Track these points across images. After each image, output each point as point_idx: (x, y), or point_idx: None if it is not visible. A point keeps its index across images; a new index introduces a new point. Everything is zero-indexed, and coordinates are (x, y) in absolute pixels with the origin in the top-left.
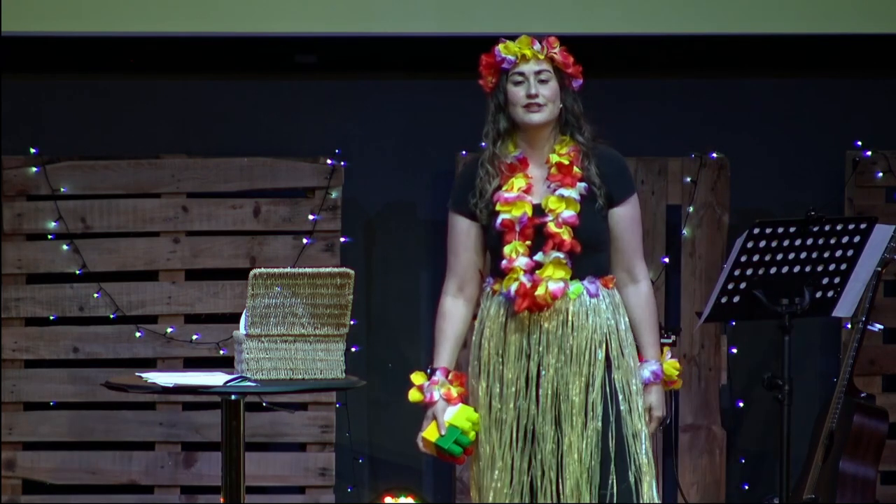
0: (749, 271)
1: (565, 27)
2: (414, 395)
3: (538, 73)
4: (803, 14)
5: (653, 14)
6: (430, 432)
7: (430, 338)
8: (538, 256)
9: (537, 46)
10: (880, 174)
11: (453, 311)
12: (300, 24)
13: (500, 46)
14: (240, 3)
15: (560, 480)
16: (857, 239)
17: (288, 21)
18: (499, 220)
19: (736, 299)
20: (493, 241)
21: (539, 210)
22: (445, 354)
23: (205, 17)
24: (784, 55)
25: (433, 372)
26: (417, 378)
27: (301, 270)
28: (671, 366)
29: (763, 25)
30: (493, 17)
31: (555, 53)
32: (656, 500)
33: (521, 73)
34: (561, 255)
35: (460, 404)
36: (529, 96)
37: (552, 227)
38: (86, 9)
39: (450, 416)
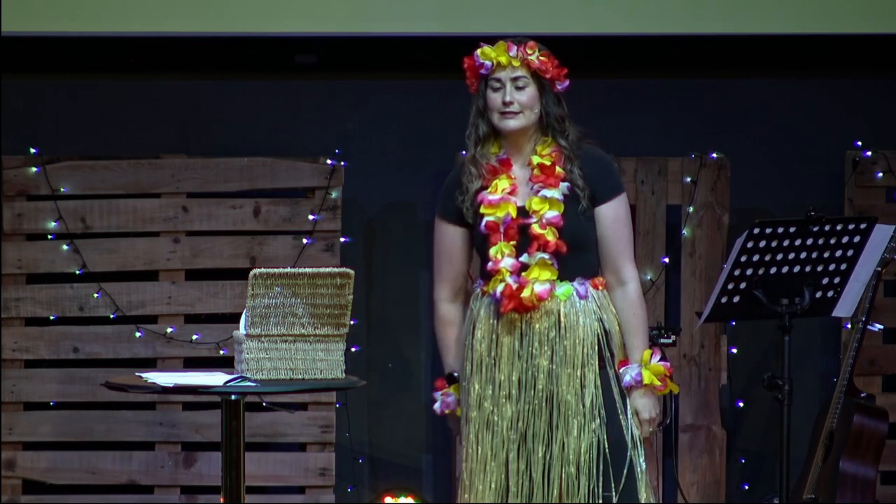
0: (749, 271)
1: (565, 27)
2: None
3: (515, 79)
4: (803, 14)
5: (653, 14)
6: None
7: (430, 338)
8: (524, 258)
9: (513, 52)
10: (880, 174)
11: (452, 315)
12: (300, 24)
13: (479, 52)
14: (240, 3)
15: (551, 482)
16: (857, 239)
17: (288, 21)
18: (483, 223)
19: (736, 299)
20: (479, 243)
21: (523, 212)
22: (456, 360)
23: (205, 17)
24: (784, 55)
25: (454, 378)
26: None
27: (301, 270)
28: (655, 370)
29: (763, 25)
30: (493, 17)
31: (532, 59)
32: (653, 500)
33: (498, 80)
34: (546, 257)
35: None
36: (504, 103)
37: (536, 229)
38: (86, 9)
39: None
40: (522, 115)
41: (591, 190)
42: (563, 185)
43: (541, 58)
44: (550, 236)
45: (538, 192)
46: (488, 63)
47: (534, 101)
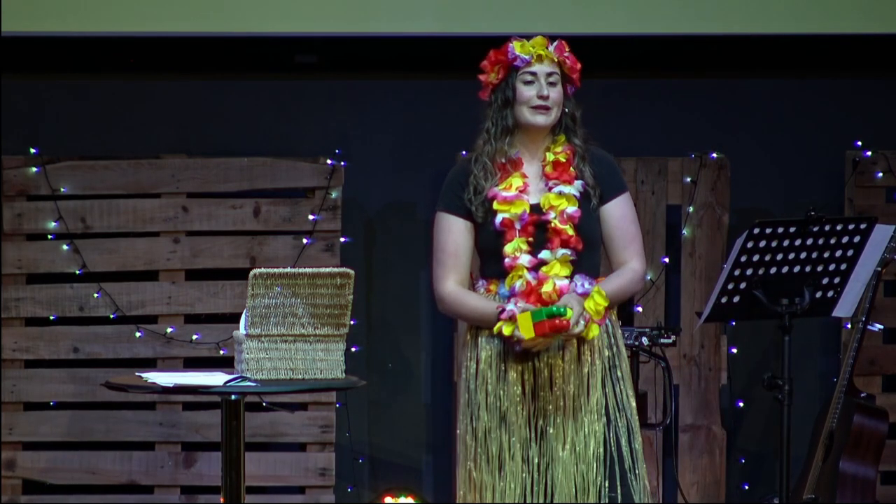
0: (749, 271)
1: (565, 27)
2: (507, 328)
3: (549, 74)
4: (803, 14)
5: (653, 14)
6: (524, 320)
7: (430, 337)
8: (544, 254)
9: (551, 48)
10: (880, 174)
11: (463, 287)
12: (300, 24)
13: (516, 44)
14: (240, 3)
15: (567, 481)
16: (857, 239)
17: (288, 21)
18: (498, 220)
19: (736, 299)
20: (489, 241)
21: (537, 209)
22: (489, 301)
23: (205, 17)
24: (784, 55)
25: (502, 311)
26: (507, 329)
27: (301, 270)
28: (599, 299)
29: (763, 25)
30: (493, 17)
31: (566, 58)
32: (650, 500)
33: (533, 73)
34: (568, 252)
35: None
36: (541, 97)
37: (558, 224)
38: (86, 9)
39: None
40: (553, 111)
41: (601, 189)
42: (578, 183)
43: (572, 57)
44: (571, 232)
45: (552, 188)
46: (526, 56)
47: (561, 99)
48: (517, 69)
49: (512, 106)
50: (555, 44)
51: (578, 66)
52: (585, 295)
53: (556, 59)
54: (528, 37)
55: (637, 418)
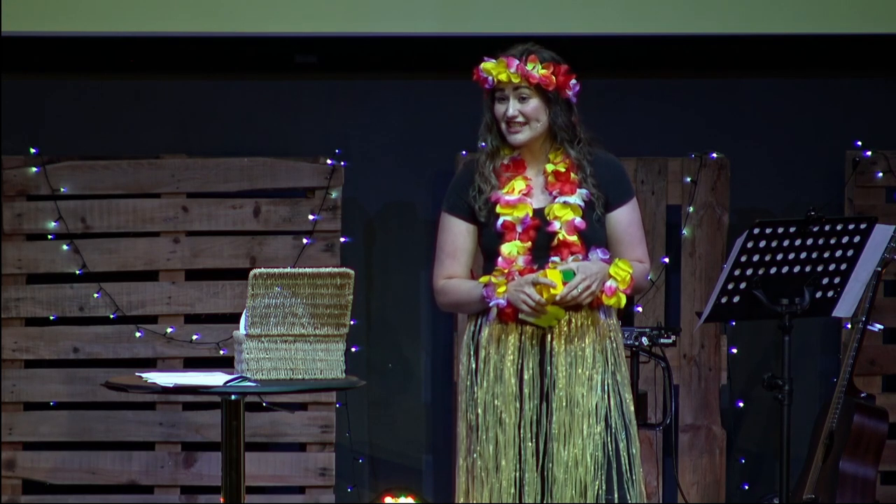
0: (749, 271)
1: (565, 27)
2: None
3: (517, 89)
4: (803, 14)
5: (653, 14)
6: (554, 275)
7: (430, 338)
8: (555, 261)
9: (513, 68)
10: (880, 174)
11: (452, 278)
12: (300, 24)
13: (482, 65)
14: (240, 3)
15: (567, 482)
16: (857, 239)
17: (288, 21)
18: (500, 222)
19: (736, 299)
20: (491, 244)
21: (540, 214)
22: (478, 283)
23: (205, 17)
24: (784, 55)
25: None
26: (498, 282)
27: (301, 270)
28: (623, 265)
29: (763, 25)
30: (493, 17)
31: (532, 73)
32: (645, 501)
33: (502, 91)
34: (580, 258)
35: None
36: (508, 118)
37: (566, 237)
38: (86, 9)
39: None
40: (528, 126)
41: (605, 194)
42: (582, 192)
43: (541, 71)
44: (579, 242)
45: (556, 198)
46: (491, 78)
47: (538, 112)
48: (491, 90)
49: (492, 126)
50: (522, 59)
51: (555, 75)
52: (607, 262)
53: (520, 78)
54: (527, 38)
55: (635, 423)
